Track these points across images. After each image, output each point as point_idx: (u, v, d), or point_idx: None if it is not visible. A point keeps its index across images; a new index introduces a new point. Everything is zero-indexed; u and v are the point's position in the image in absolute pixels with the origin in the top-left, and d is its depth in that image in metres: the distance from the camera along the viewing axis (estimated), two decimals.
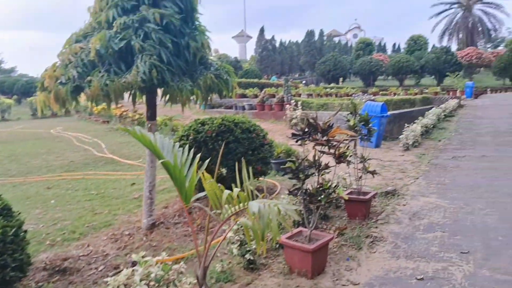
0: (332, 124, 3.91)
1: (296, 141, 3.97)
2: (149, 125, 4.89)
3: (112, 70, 4.02)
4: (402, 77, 43.08)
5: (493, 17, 54.26)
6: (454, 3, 56.03)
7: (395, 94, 23.35)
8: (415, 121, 12.14)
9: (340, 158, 3.89)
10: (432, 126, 12.89)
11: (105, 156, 11.13)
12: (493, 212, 5.13)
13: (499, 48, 53.20)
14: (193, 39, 4.42)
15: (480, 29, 54.87)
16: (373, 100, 13.17)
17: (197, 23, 4.62)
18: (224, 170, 5.72)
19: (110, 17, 4.15)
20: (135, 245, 4.47)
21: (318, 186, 3.89)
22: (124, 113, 19.55)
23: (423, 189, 6.44)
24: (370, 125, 5.21)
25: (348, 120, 5.21)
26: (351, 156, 5.29)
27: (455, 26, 55.92)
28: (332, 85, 33.35)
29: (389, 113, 12.13)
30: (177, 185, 2.58)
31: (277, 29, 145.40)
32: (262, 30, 48.86)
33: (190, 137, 5.77)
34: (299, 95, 19.95)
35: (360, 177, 5.39)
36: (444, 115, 15.85)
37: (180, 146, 2.88)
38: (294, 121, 14.13)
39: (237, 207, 2.48)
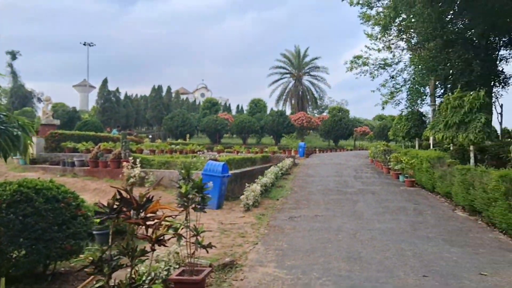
0: (152, 197, 3.12)
1: (102, 221, 3.01)
2: None
3: None
4: (245, 135, 45.79)
5: (318, 87, 63.77)
6: (287, 73, 64.03)
7: (238, 152, 24.16)
8: (255, 180, 12.30)
9: (159, 242, 3.07)
10: (271, 184, 13.29)
11: None
12: (328, 282, 4.95)
13: (324, 114, 62.28)
14: None
15: (308, 97, 63.52)
16: (215, 159, 12.97)
17: None
18: (22, 252, 4.37)
19: None
20: None
21: (131, 281, 2.95)
22: None
23: (262, 256, 6.06)
24: (204, 192, 4.59)
25: (180, 187, 4.50)
26: (182, 229, 4.53)
27: (289, 93, 63.47)
28: (179, 141, 32.97)
29: (231, 172, 12.01)
30: None
31: (123, 83, 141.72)
32: (105, 81, 46.27)
33: None
34: (141, 151, 18.70)
35: (193, 253, 4.64)
36: (281, 173, 16.77)
37: None
38: (132, 180, 12.83)
39: None
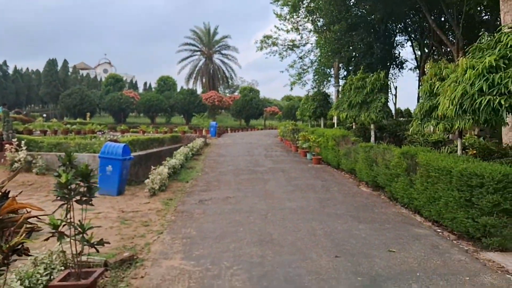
0: (7, 191, 2.32)
1: None
2: None
3: None
4: (153, 115, 43.71)
5: (229, 67, 63.34)
6: (197, 51, 62.35)
7: (144, 132, 22.75)
8: (163, 162, 11.49)
9: (15, 252, 2.31)
10: (180, 166, 12.58)
11: None
12: (240, 271, 4.57)
13: (236, 93, 62.25)
14: None
15: (219, 75, 62.82)
16: (115, 140, 11.80)
17: None
18: None
19: None
20: None
21: None
22: None
23: (168, 247, 5.46)
24: (91, 181, 3.81)
25: (59, 175, 3.66)
26: (64, 225, 3.74)
27: (199, 71, 62.05)
28: (77, 120, 30.06)
29: (135, 154, 11.03)
30: None
31: (14, 56, 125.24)
32: None
33: None
34: (30, 132, 16.45)
35: (81, 252, 3.88)
36: (192, 153, 16.10)
37: None
38: (16, 165, 11.11)
39: None
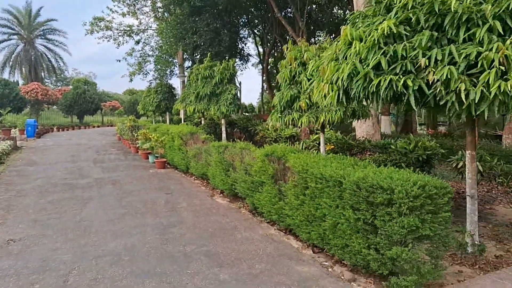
0: None
1: None
2: None
3: None
4: None
5: (58, 55, 54.27)
6: (14, 34, 51.60)
7: None
8: None
9: None
10: None
11: None
12: None
13: (70, 87, 53.81)
14: None
15: (44, 65, 53.34)
16: None
17: None
18: None
19: None
20: None
21: None
22: None
23: None
24: None
25: None
26: None
27: (17, 59, 51.54)
28: None
29: None
30: None
31: None
32: None
33: None
34: None
35: None
36: None
37: None
38: None
39: None
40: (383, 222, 3.77)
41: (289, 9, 23.43)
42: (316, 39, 25.84)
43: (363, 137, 10.40)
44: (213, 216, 6.49)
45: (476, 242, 4.84)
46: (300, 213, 5.11)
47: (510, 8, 3.50)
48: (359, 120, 7.23)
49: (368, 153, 9.77)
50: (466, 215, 4.85)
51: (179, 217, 6.44)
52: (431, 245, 3.79)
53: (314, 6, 22.28)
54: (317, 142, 10.18)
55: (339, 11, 26.23)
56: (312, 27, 24.36)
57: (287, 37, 23.82)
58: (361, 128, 11.00)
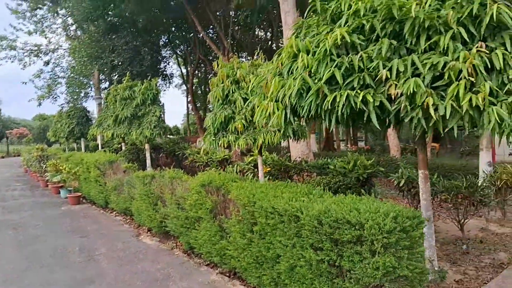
0: None
1: None
2: None
3: None
4: None
5: None
6: None
7: None
8: None
9: None
10: None
11: None
12: None
13: None
14: None
15: None
16: None
17: None
18: None
19: None
20: None
21: None
22: None
23: None
24: None
25: None
26: None
27: None
28: None
29: None
30: None
31: None
32: None
33: None
34: None
35: None
36: None
37: None
38: None
39: None
40: (352, 263, 3.15)
41: (211, 30, 23.04)
42: (240, 59, 25.71)
43: (299, 157, 10.02)
44: (140, 263, 5.42)
45: (436, 268, 4.47)
46: (247, 254, 4.34)
47: (472, 14, 3.19)
48: (292, 140, 6.74)
49: (306, 173, 9.37)
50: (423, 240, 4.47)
51: (97, 269, 5.26)
52: (406, 284, 3.25)
53: (236, 28, 22.15)
54: (253, 165, 9.56)
55: (260, 32, 26.52)
56: (235, 48, 24.17)
57: (211, 57, 23.35)
58: (296, 148, 10.63)
